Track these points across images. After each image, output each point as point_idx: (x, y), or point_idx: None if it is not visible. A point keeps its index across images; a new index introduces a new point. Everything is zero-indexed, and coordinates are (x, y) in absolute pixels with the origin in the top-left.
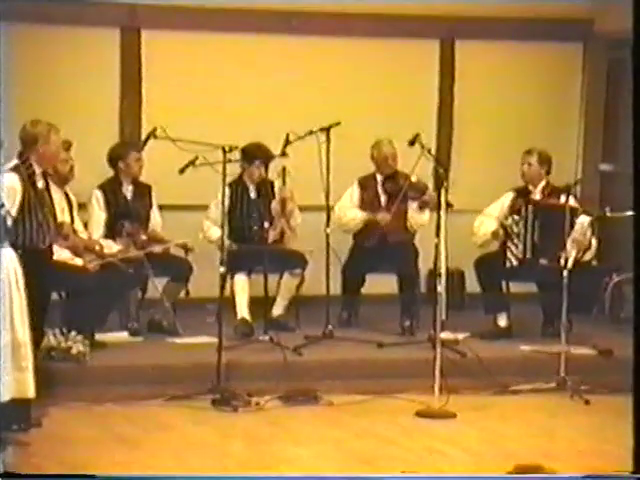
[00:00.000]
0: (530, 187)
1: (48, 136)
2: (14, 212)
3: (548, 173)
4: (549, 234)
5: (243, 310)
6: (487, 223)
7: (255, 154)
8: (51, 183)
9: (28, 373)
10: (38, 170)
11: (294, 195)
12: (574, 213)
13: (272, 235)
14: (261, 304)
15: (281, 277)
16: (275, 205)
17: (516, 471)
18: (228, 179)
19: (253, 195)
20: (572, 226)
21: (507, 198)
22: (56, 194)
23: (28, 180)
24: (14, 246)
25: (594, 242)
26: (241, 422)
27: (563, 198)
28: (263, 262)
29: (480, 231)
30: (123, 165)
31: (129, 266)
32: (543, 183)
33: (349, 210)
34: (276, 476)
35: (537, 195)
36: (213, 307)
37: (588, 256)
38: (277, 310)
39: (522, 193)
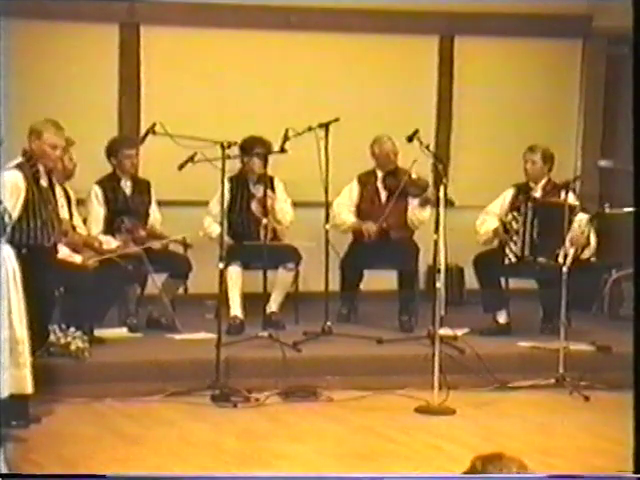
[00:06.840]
0: (531, 184)
1: (40, 133)
2: (18, 210)
3: (550, 170)
4: (548, 232)
5: (235, 307)
6: (489, 221)
7: (254, 146)
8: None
9: (26, 370)
10: (42, 168)
11: (277, 195)
12: (572, 210)
13: (262, 233)
14: (258, 300)
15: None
16: (255, 206)
17: (476, 462)
18: (228, 174)
19: (253, 190)
20: (570, 223)
21: (508, 194)
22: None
23: (32, 178)
24: (16, 243)
25: (593, 240)
26: (240, 418)
27: (563, 194)
28: (260, 257)
29: (482, 229)
30: (116, 161)
31: (128, 262)
32: (544, 180)
33: (343, 213)
34: (276, 475)
35: (538, 192)
36: (212, 303)
37: (587, 254)
38: (271, 307)
39: (523, 190)
